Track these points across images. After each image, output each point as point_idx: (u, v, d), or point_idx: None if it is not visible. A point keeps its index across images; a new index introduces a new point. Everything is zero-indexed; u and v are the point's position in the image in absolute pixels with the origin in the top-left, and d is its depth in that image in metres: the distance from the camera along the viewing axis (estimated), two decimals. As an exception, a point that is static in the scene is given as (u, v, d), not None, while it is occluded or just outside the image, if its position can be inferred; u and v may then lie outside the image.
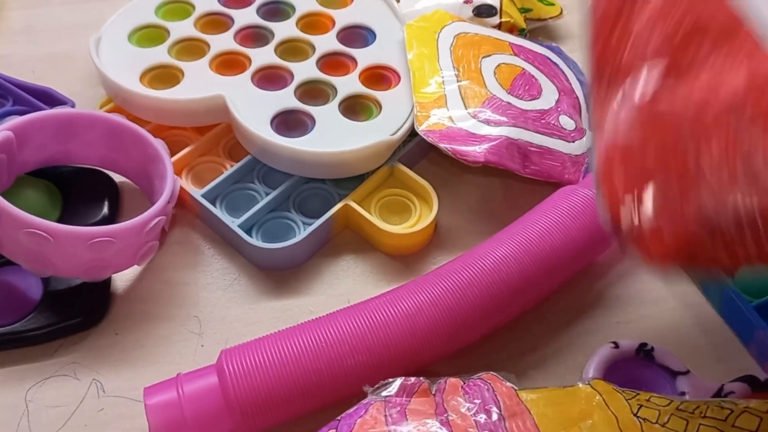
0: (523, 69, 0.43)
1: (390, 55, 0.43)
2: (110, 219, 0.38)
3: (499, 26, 0.48)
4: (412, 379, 0.29)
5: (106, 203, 0.38)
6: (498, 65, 0.42)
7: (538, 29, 0.51)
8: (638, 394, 0.27)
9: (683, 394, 0.31)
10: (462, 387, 0.28)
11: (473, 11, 0.48)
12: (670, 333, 0.34)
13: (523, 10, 0.50)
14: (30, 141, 0.35)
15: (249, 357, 0.29)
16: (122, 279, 0.36)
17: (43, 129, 0.35)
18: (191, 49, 0.43)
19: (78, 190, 0.38)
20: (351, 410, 0.28)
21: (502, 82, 0.41)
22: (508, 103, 0.40)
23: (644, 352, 0.32)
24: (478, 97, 0.40)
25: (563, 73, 0.45)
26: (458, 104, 0.39)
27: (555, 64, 0.46)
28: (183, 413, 0.28)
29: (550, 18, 0.51)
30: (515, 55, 0.44)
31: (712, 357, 0.34)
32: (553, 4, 0.51)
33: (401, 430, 0.26)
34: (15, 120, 0.34)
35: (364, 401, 0.28)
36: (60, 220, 0.37)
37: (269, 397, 0.28)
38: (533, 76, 0.43)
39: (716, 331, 0.35)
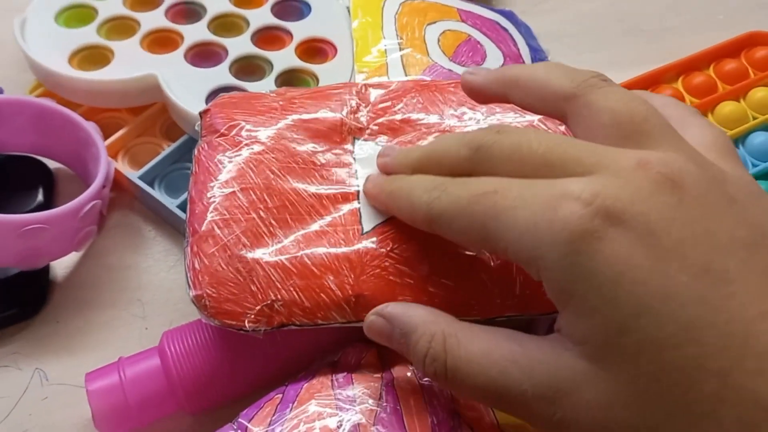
0: (469, 35, 0.43)
1: (326, 27, 0.42)
2: (46, 206, 0.37)
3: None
4: (360, 344, 0.29)
5: (41, 190, 0.37)
6: (443, 32, 0.42)
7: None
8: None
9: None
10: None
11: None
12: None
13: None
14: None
15: (191, 337, 0.29)
16: (62, 266, 0.36)
17: (-35, 118, 0.34)
18: (121, 27, 0.41)
19: (10, 178, 0.37)
20: (299, 376, 0.28)
21: (445, 50, 0.41)
22: (450, 70, 0.40)
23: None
24: (419, 65, 0.40)
25: (512, 38, 0.45)
26: (399, 72, 0.39)
27: (504, 29, 0.45)
28: (126, 397, 0.28)
29: None
30: (462, 21, 0.44)
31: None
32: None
33: (347, 394, 0.26)
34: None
35: (312, 367, 0.28)
36: (-7, 211, 0.36)
37: (213, 377, 0.28)
38: (479, 43, 0.43)
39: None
